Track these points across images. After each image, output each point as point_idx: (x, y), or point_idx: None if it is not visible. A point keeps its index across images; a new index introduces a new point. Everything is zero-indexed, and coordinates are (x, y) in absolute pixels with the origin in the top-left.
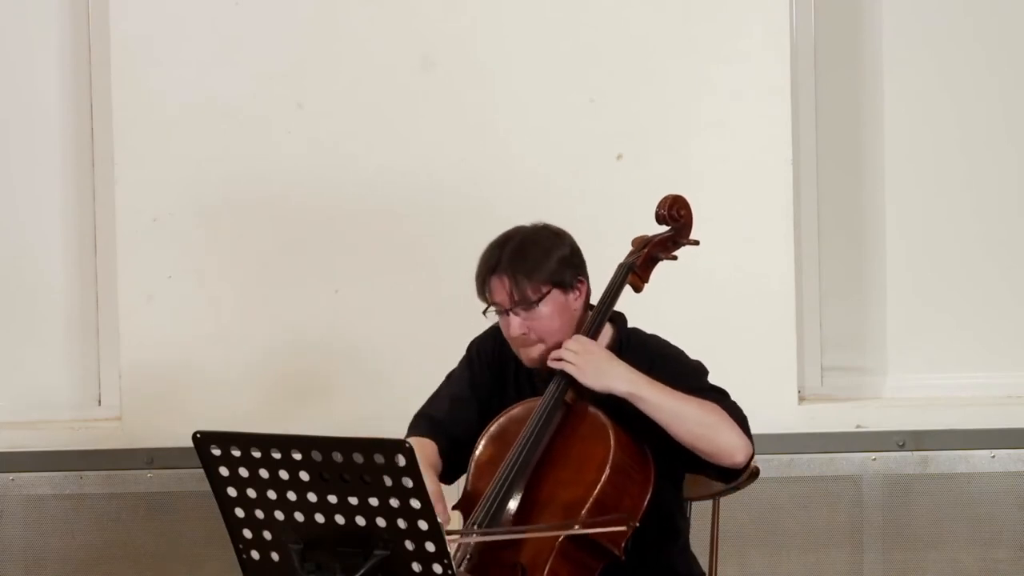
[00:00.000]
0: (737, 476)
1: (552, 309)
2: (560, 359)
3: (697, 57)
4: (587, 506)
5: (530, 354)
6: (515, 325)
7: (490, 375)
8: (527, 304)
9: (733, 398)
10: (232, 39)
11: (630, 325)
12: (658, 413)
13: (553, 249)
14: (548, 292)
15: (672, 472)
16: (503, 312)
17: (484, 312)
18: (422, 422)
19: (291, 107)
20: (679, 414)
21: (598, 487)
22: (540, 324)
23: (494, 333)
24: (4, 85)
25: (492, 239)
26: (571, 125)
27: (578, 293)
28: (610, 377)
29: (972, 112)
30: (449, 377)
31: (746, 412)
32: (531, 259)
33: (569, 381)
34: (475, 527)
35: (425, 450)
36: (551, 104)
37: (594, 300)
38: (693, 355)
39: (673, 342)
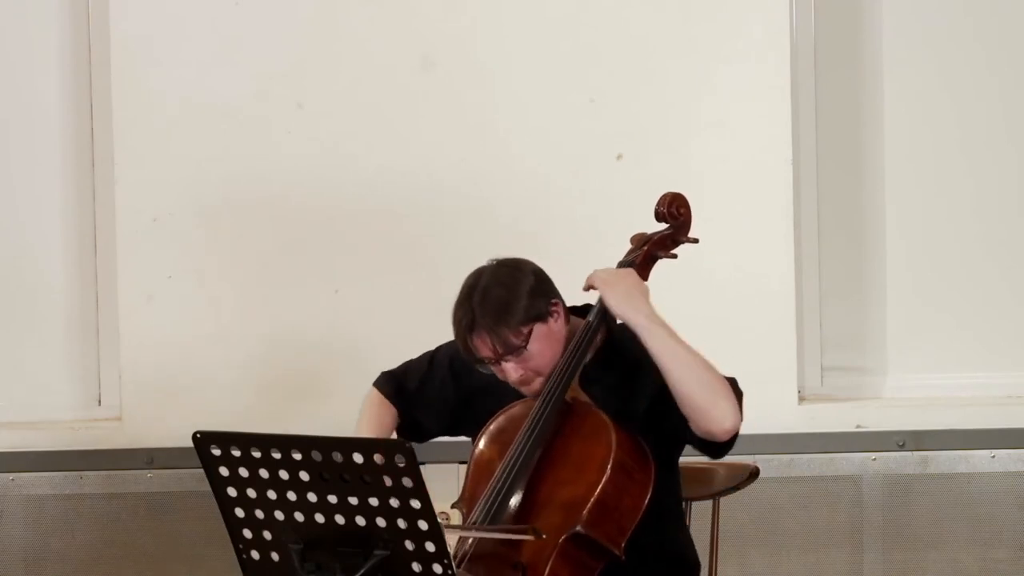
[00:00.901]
0: (722, 451)
1: (540, 344)
2: (591, 278)
3: (697, 57)
4: (589, 506)
5: (532, 388)
6: (511, 371)
7: (465, 380)
8: (515, 351)
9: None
10: (232, 39)
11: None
12: (665, 356)
13: (518, 286)
14: (530, 331)
15: (669, 458)
16: (494, 363)
17: (475, 366)
18: (392, 383)
19: (291, 107)
20: (687, 363)
21: (599, 487)
22: (533, 361)
23: None
24: (4, 85)
25: (458, 293)
26: (571, 125)
27: (556, 314)
28: (633, 307)
29: (972, 112)
30: (432, 358)
31: (746, 413)
32: (502, 305)
33: (569, 379)
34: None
35: (384, 416)
36: (551, 104)
37: (595, 297)
38: None
39: None
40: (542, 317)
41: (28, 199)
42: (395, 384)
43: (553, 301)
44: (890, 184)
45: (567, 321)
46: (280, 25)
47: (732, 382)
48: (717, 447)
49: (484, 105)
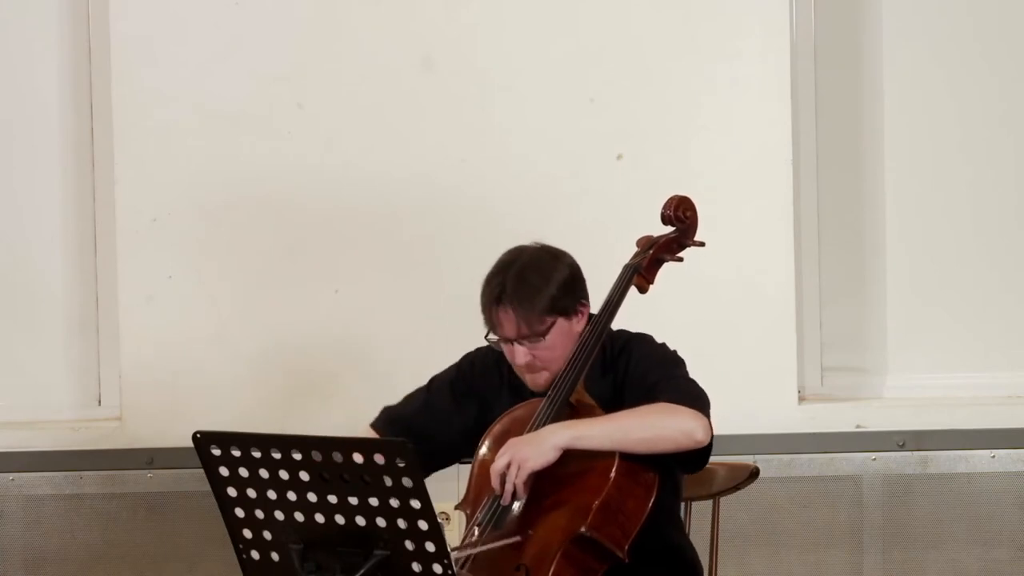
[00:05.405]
0: (703, 458)
1: (557, 337)
2: (503, 476)
3: (697, 57)
4: (594, 508)
5: (536, 380)
6: (520, 354)
7: (469, 400)
8: (534, 337)
9: (695, 386)
10: (232, 39)
11: (624, 327)
12: (605, 443)
13: (554, 275)
14: (554, 323)
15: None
16: (508, 342)
17: (486, 336)
18: (384, 416)
19: (291, 107)
20: (623, 431)
21: (605, 490)
22: (545, 352)
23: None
24: (4, 85)
25: (494, 264)
26: (571, 125)
27: (581, 316)
28: (548, 444)
29: (972, 112)
30: (430, 386)
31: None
32: (535, 289)
33: (575, 381)
34: (478, 528)
35: None
36: (551, 104)
37: (599, 299)
38: (692, 356)
39: (672, 342)
40: (567, 313)
41: (28, 199)
42: (386, 416)
43: (582, 301)
44: (890, 184)
45: (585, 325)
46: (280, 25)
47: (685, 395)
48: (700, 456)
49: (484, 105)
